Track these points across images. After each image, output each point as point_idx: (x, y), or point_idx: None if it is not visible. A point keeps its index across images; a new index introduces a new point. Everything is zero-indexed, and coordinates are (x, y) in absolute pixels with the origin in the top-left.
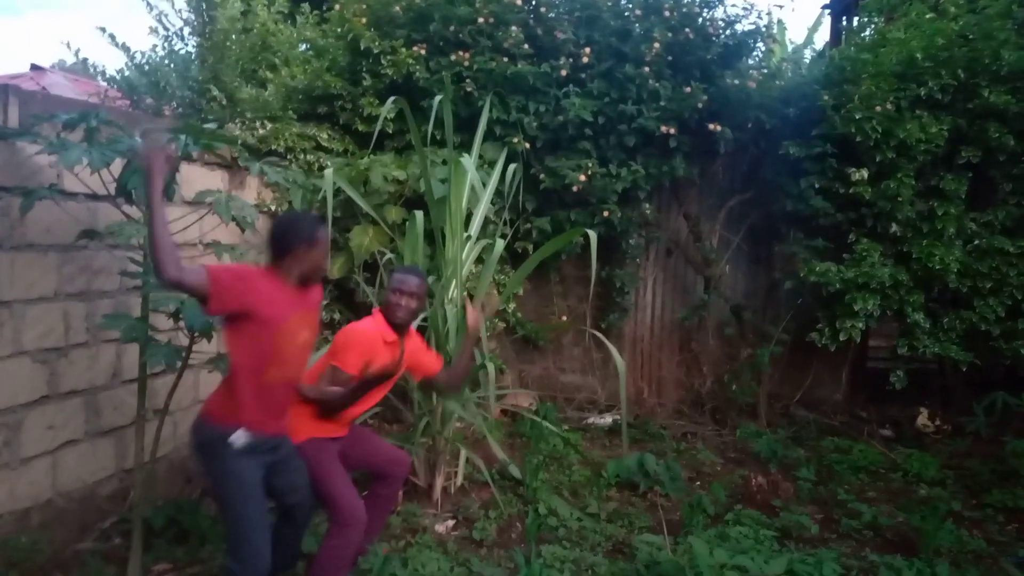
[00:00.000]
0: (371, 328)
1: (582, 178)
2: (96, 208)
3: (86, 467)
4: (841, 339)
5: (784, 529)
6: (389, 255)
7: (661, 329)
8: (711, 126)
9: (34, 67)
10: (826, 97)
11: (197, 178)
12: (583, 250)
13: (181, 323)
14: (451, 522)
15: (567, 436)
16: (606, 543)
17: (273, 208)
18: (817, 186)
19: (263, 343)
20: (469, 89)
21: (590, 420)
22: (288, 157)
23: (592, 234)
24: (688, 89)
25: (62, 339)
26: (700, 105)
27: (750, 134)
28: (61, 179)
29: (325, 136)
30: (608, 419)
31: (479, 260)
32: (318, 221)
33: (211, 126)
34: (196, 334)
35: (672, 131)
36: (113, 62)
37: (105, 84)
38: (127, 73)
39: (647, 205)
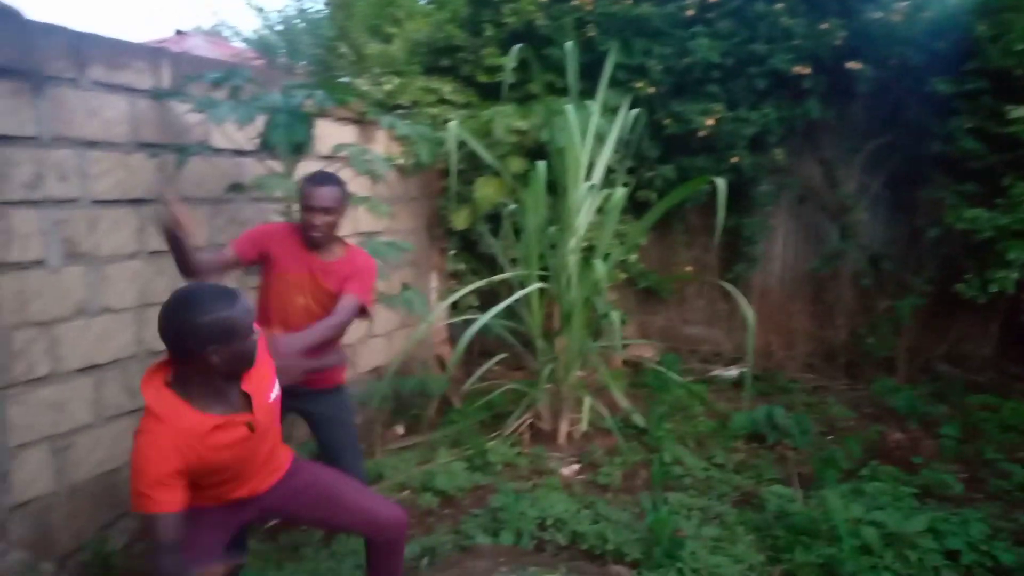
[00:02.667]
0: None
1: (709, 123)
2: (241, 163)
3: None
4: (991, 291)
5: (925, 487)
6: (512, 205)
7: (791, 280)
8: (849, 65)
9: (178, 32)
10: (982, 28)
11: (330, 133)
12: (709, 198)
13: None
14: (576, 466)
15: (691, 387)
16: (733, 493)
17: (402, 161)
18: (969, 126)
19: (270, 290)
20: (591, 34)
21: (715, 372)
22: (414, 110)
23: (720, 182)
24: (825, 26)
25: None
26: (838, 43)
27: (893, 72)
28: (209, 136)
29: (448, 89)
30: (734, 372)
31: (600, 210)
32: (309, 177)
33: (345, 82)
34: None
35: (806, 71)
36: (248, 24)
37: (243, 45)
38: (262, 34)
39: (778, 150)
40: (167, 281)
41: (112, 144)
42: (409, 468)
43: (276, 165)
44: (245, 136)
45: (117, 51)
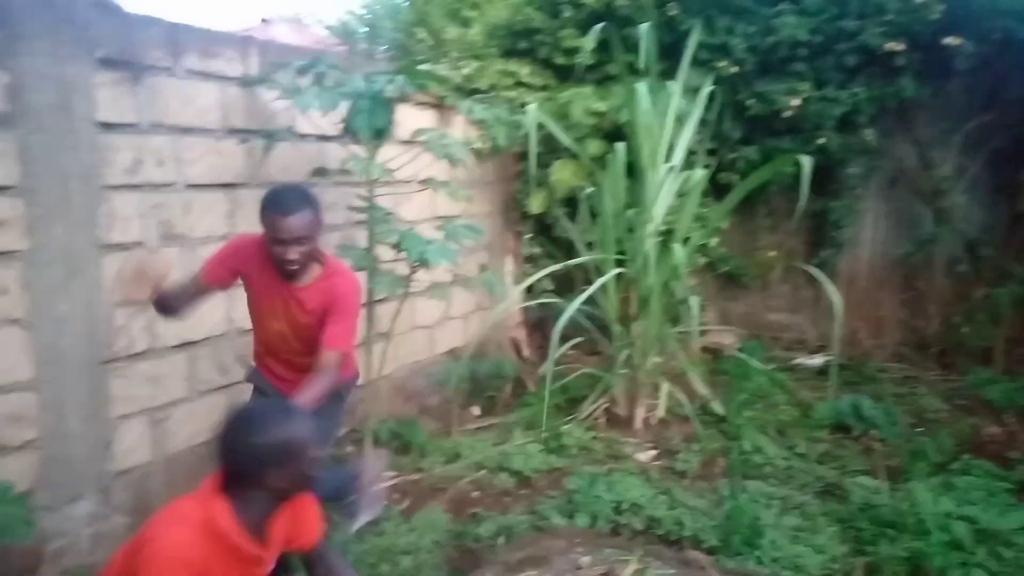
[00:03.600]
0: None
1: (795, 103)
2: (324, 148)
3: None
4: None
5: (1021, 483)
6: (589, 189)
7: (881, 266)
8: (947, 40)
9: (263, 20)
10: None
11: (409, 118)
12: (795, 180)
13: (402, 253)
14: (652, 452)
15: (773, 375)
16: (815, 483)
17: (479, 145)
18: None
19: (251, 312)
20: (673, 13)
21: (798, 360)
22: (491, 94)
23: (805, 160)
24: None
25: None
26: (935, 17)
27: (995, 47)
28: (295, 122)
29: (526, 72)
30: (818, 360)
31: (680, 193)
32: (267, 200)
33: (424, 67)
34: (416, 264)
35: (900, 48)
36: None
37: (325, 32)
38: (344, 20)
39: (868, 131)
40: None
41: (205, 130)
42: (485, 448)
43: (359, 150)
44: (329, 122)
45: (209, 40)
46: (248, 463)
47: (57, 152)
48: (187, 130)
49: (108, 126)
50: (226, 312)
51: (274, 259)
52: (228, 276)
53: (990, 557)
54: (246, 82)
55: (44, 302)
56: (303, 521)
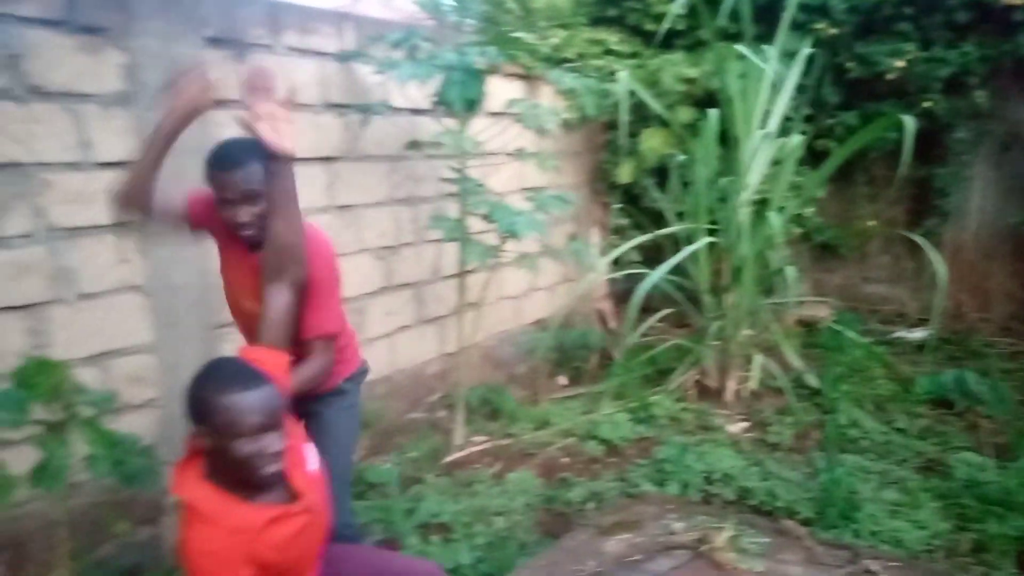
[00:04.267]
0: None
1: (899, 64)
2: (416, 121)
3: (415, 349)
4: None
5: None
6: (680, 157)
7: (989, 235)
8: None
9: None
10: None
11: (498, 89)
12: (897, 147)
13: (491, 225)
14: (744, 424)
15: (871, 348)
16: (916, 459)
17: (566, 115)
18: None
19: (224, 286)
20: None
21: (897, 334)
22: (578, 63)
23: (908, 120)
24: None
25: (393, 239)
26: None
27: None
28: (388, 95)
29: (614, 40)
30: (919, 334)
31: (775, 161)
32: (207, 160)
33: (515, 36)
34: (505, 234)
35: (1018, 2)
36: None
37: (415, 6)
38: None
39: (979, 93)
40: (353, 234)
41: (304, 105)
42: (573, 416)
43: (451, 122)
44: (422, 95)
45: (307, 17)
46: (192, 414)
47: None
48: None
49: (215, 103)
50: None
51: (230, 226)
52: (200, 222)
53: None
54: (342, 57)
55: (161, 270)
56: (293, 443)
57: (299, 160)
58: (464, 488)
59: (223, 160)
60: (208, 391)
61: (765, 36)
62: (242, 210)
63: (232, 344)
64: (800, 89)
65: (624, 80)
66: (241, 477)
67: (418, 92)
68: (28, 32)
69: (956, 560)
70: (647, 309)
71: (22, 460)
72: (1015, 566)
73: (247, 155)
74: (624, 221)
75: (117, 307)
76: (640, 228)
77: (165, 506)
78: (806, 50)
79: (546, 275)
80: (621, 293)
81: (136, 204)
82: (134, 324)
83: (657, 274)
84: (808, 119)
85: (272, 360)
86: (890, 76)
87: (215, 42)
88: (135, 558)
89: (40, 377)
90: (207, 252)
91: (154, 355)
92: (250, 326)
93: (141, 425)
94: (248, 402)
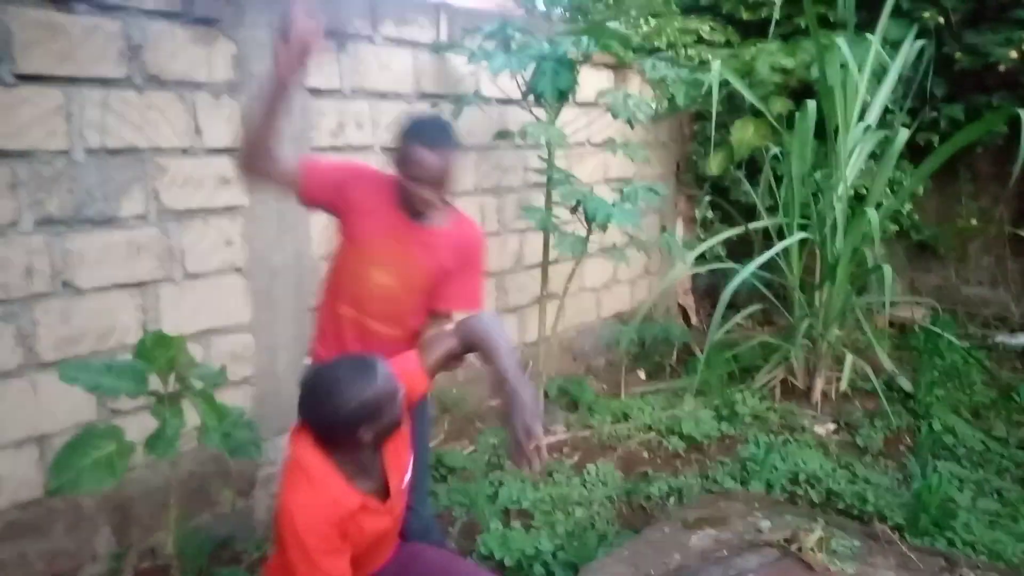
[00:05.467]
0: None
1: (1013, 55)
2: (505, 111)
3: None
4: None
5: None
6: (775, 149)
7: None
8: None
9: None
10: None
11: (587, 79)
12: (1006, 141)
13: (578, 215)
14: (831, 425)
15: (970, 352)
16: (1016, 470)
17: (654, 106)
18: None
19: (342, 260)
20: None
21: (998, 339)
22: (669, 52)
23: None
24: None
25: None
26: None
27: None
28: (479, 85)
29: (707, 28)
30: (1022, 339)
31: (874, 155)
32: (411, 130)
33: (611, 26)
34: (596, 225)
35: None
36: None
37: None
38: None
39: None
40: None
41: (398, 95)
42: (655, 412)
43: (540, 112)
44: (512, 85)
45: (404, 9)
46: (340, 430)
47: None
48: (383, 95)
49: (317, 92)
50: None
51: (406, 195)
52: (324, 196)
53: None
54: (437, 48)
55: (261, 253)
56: (402, 447)
57: (392, 149)
58: (544, 477)
59: (431, 137)
60: (358, 392)
61: (867, 24)
62: (430, 190)
63: None
64: (903, 80)
65: (717, 69)
66: (354, 457)
67: (508, 82)
68: (149, 24)
69: None
70: (732, 305)
71: (135, 428)
72: None
73: (451, 140)
74: (711, 214)
75: (220, 287)
76: (727, 222)
77: (258, 479)
78: (910, 40)
79: (627, 268)
80: (705, 288)
81: (251, 166)
82: (235, 304)
83: (748, 269)
84: (910, 112)
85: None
86: (1003, 67)
87: None
88: (229, 528)
89: (158, 350)
90: (305, 236)
91: (252, 334)
92: (372, 306)
93: (238, 401)
94: (386, 374)
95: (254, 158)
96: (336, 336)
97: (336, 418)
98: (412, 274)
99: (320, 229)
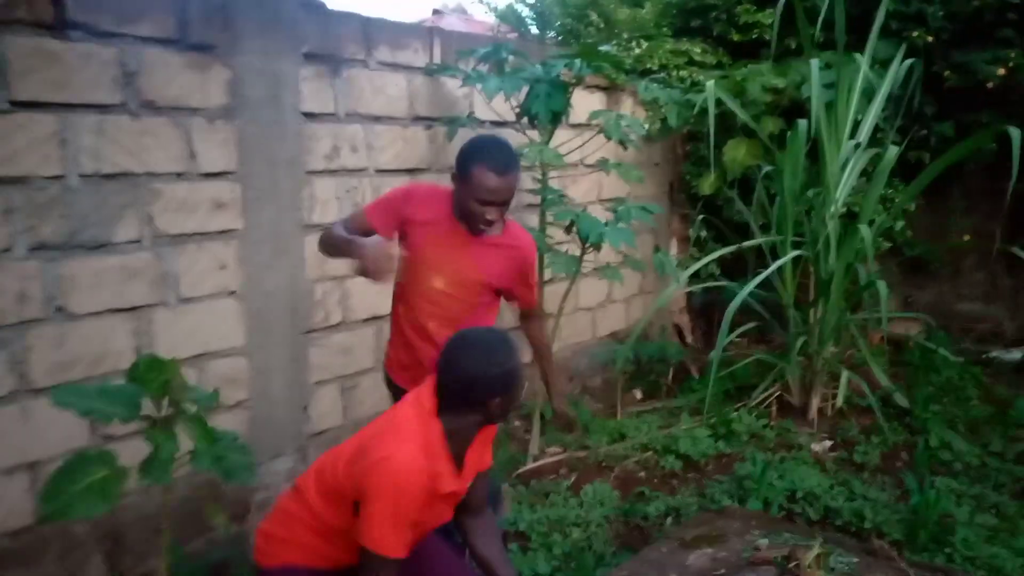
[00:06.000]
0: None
1: (1001, 72)
2: (500, 133)
3: None
4: None
5: None
6: (766, 168)
7: None
8: None
9: (435, 11)
10: None
11: (580, 102)
12: (997, 157)
13: (570, 236)
14: (828, 443)
15: (966, 368)
16: (1014, 485)
17: (646, 127)
18: None
19: (404, 268)
20: None
21: (993, 354)
22: (661, 74)
23: (1015, 132)
24: None
25: None
26: None
27: None
28: (473, 107)
29: (698, 50)
30: (1016, 355)
31: (865, 172)
32: (479, 153)
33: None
34: (588, 245)
35: None
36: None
37: (494, 20)
38: (514, 7)
39: None
40: None
41: (393, 118)
42: (650, 430)
43: (534, 134)
44: (506, 107)
45: (398, 33)
46: (477, 389)
47: (268, 141)
48: (378, 118)
49: (311, 116)
50: None
51: (468, 213)
52: (393, 225)
53: None
54: (431, 71)
55: (255, 277)
56: (486, 449)
57: (387, 171)
58: (540, 498)
59: (500, 161)
60: (507, 359)
61: (857, 45)
62: (495, 210)
63: (320, 350)
64: (892, 99)
65: (711, 90)
66: (466, 432)
67: (502, 104)
68: (144, 50)
69: None
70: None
71: (127, 454)
72: None
73: (515, 163)
74: (704, 233)
75: (214, 311)
76: (720, 241)
77: (253, 503)
78: (899, 59)
79: (622, 287)
80: (699, 307)
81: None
82: (229, 328)
83: (748, 287)
84: (901, 130)
85: None
86: (990, 84)
87: (312, 58)
88: (223, 553)
89: (152, 374)
90: (299, 260)
91: (246, 358)
92: (429, 309)
93: (232, 425)
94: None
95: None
96: (400, 336)
97: (481, 376)
98: (465, 280)
99: (312, 252)
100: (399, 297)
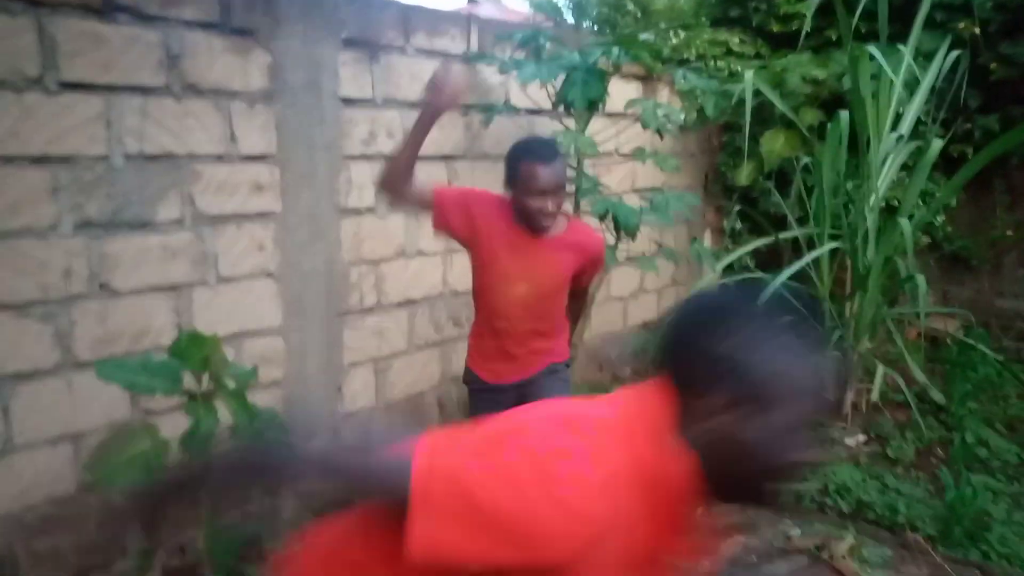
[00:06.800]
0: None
1: None
2: (534, 121)
3: None
4: None
5: None
6: (805, 160)
7: None
8: None
9: (469, 0)
10: None
11: (615, 90)
12: None
13: (607, 224)
14: (862, 437)
15: (1005, 365)
16: None
17: (683, 116)
18: None
19: (480, 278)
20: None
21: None
22: (698, 64)
23: None
24: None
25: None
26: None
27: None
28: (509, 95)
29: (737, 40)
30: None
31: (906, 166)
32: (522, 152)
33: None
34: (625, 233)
35: None
36: None
37: (530, 10)
38: None
39: None
40: None
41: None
42: None
43: (569, 122)
44: (541, 95)
45: (436, 19)
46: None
47: (307, 125)
48: (414, 105)
49: (349, 101)
50: (442, 275)
51: (527, 212)
52: (457, 224)
53: None
54: (467, 58)
55: (292, 259)
56: None
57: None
58: None
59: (539, 154)
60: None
61: (900, 36)
62: (552, 200)
63: (354, 332)
64: (937, 92)
65: (749, 80)
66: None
67: (538, 92)
68: (187, 34)
69: None
70: None
71: (167, 427)
72: None
73: (556, 152)
74: (739, 225)
75: (252, 291)
76: (755, 232)
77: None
78: (943, 50)
79: (654, 278)
80: None
81: (394, 188)
82: (266, 308)
83: (782, 277)
84: (944, 123)
85: None
86: None
87: (351, 44)
88: (255, 527)
89: (193, 349)
90: (335, 243)
91: (282, 338)
92: (515, 314)
93: (267, 403)
94: None
95: (396, 178)
96: (483, 339)
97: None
98: (542, 281)
99: (350, 236)
100: (484, 310)
